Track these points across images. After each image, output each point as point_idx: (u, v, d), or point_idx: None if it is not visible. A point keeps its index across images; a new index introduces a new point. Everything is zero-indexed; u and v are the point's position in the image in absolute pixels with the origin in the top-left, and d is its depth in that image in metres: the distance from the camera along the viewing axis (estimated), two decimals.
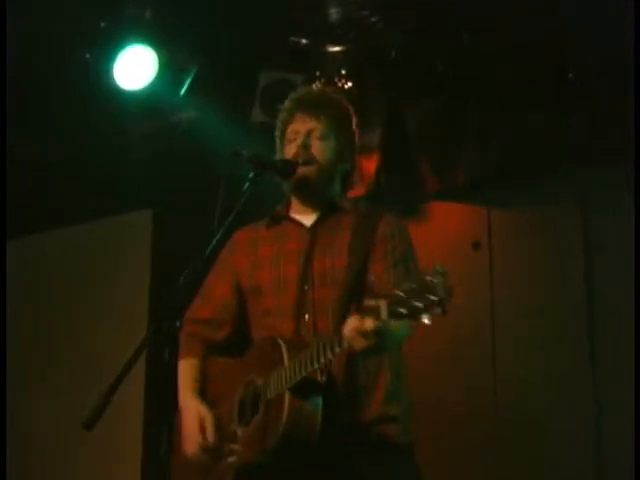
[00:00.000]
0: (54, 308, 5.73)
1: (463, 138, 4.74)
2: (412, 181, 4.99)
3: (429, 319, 2.21)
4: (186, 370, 2.93)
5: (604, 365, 4.35)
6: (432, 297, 2.18)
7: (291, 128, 2.93)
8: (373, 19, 4.44)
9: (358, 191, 4.94)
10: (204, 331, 2.97)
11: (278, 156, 2.95)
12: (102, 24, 4.51)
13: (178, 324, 2.53)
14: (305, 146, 2.86)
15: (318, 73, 4.66)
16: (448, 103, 4.67)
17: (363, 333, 2.38)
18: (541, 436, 4.47)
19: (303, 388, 2.57)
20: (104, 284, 5.66)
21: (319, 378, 2.59)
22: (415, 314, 2.22)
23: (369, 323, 2.37)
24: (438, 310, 2.19)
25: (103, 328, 5.55)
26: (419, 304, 2.21)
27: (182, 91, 4.77)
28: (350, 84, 4.63)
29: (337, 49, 4.63)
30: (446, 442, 4.59)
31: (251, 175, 2.75)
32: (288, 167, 2.85)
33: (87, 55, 4.60)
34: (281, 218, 2.97)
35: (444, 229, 5.06)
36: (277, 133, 3.00)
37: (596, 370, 4.36)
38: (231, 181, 2.80)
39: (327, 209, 2.91)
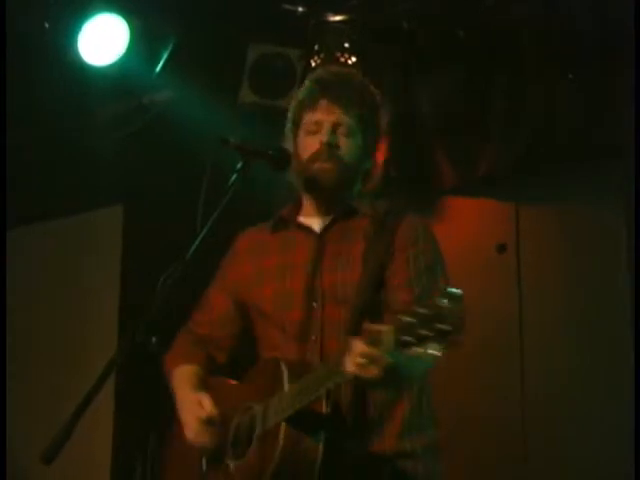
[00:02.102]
0: (20, 309, 5.78)
1: (487, 122, 4.73)
2: (426, 173, 4.98)
3: (439, 351, 2.21)
4: (185, 376, 2.92)
5: None
6: (441, 326, 2.18)
7: (311, 117, 2.86)
8: None
9: None
10: (205, 346, 2.99)
11: (289, 147, 2.89)
12: None
13: (154, 339, 2.51)
14: (331, 145, 2.81)
15: (317, 47, 4.66)
16: (468, 81, 4.66)
17: (365, 363, 2.35)
18: (577, 453, 4.51)
19: (302, 419, 2.55)
20: (71, 286, 5.74)
21: (323, 408, 2.57)
22: (422, 344, 2.22)
23: (372, 352, 2.33)
24: (444, 342, 2.20)
25: (71, 331, 5.66)
26: (427, 333, 2.20)
27: (158, 67, 4.75)
28: (354, 59, 4.62)
29: (339, 19, 4.62)
30: (472, 455, 4.66)
31: (239, 165, 2.71)
32: (283, 156, 2.80)
33: (46, 25, 4.58)
34: (287, 222, 2.94)
35: (464, 229, 5.03)
36: (290, 117, 2.94)
37: None
38: (216, 172, 2.78)
39: (340, 213, 2.87)
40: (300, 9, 4.61)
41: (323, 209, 2.89)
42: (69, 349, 5.63)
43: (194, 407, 2.79)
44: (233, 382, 2.92)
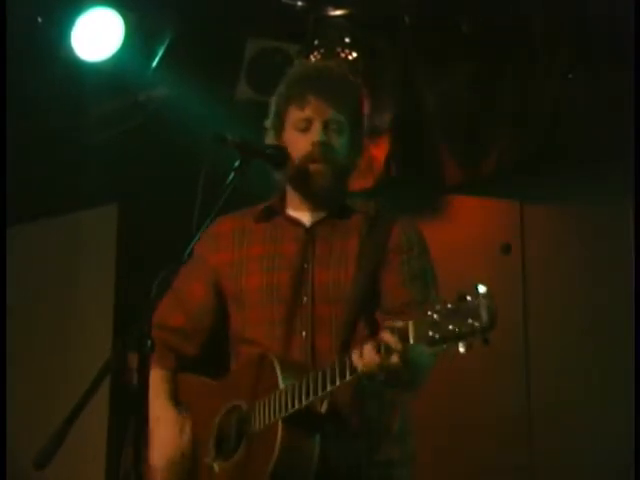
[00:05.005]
0: (14, 308, 5.77)
1: (493, 118, 4.73)
2: (430, 171, 4.98)
3: (466, 348, 2.24)
4: (157, 381, 2.88)
5: None
6: (474, 322, 2.21)
7: (300, 114, 2.84)
8: None
9: (365, 183, 4.96)
10: (173, 341, 2.94)
11: (269, 141, 2.91)
12: None
13: (149, 343, 2.50)
14: (325, 144, 2.81)
15: (317, 42, 4.65)
16: (475, 76, 4.65)
17: (385, 354, 2.38)
18: (581, 460, 4.50)
19: (299, 420, 2.57)
20: (65, 284, 5.77)
21: (319, 408, 2.60)
22: (450, 340, 2.25)
23: (396, 343, 2.37)
24: (478, 338, 2.22)
25: (66, 332, 5.70)
26: (457, 329, 2.23)
27: (154, 63, 4.75)
28: (355, 55, 4.61)
29: (339, 13, 4.62)
30: (474, 461, 4.70)
31: (237, 163, 2.72)
32: (281, 154, 2.84)
33: (39, 19, 4.58)
34: (274, 214, 2.95)
35: (468, 229, 5.06)
36: (273, 111, 2.93)
37: None
38: (212, 171, 2.79)
39: (333, 210, 2.90)
40: (299, 3, 4.60)
41: (312, 204, 2.90)
42: (64, 348, 5.66)
43: (172, 429, 2.80)
44: (208, 380, 2.90)
